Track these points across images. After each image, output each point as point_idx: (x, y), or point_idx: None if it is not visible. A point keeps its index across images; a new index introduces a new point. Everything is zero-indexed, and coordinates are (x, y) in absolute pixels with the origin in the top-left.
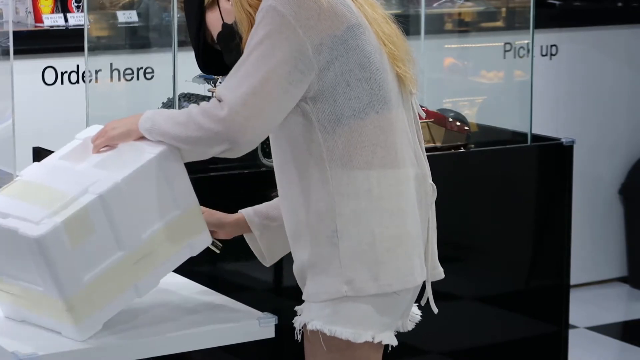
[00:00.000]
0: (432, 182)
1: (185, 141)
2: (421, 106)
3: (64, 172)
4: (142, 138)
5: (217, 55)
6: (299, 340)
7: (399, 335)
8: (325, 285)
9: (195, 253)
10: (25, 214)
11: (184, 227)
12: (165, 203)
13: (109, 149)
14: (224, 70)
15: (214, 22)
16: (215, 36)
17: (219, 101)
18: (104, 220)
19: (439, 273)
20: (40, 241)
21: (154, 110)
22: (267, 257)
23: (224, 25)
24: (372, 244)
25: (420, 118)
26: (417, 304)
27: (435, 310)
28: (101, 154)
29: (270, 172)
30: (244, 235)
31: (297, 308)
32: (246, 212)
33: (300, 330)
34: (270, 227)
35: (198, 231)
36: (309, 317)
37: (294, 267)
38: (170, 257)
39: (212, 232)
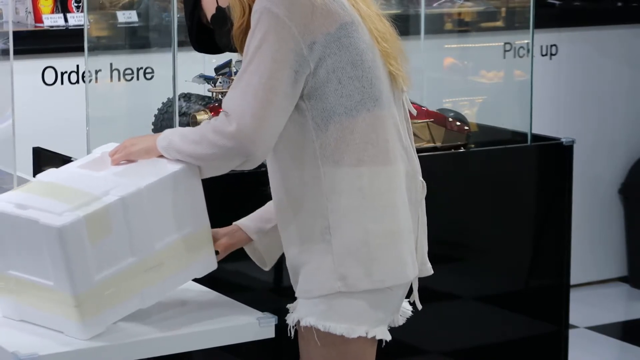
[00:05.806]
0: (422, 179)
1: (201, 158)
2: (421, 106)
3: (83, 177)
4: (160, 156)
5: (210, 34)
6: (292, 338)
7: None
8: (319, 282)
9: (200, 275)
10: (46, 207)
11: (194, 245)
12: (181, 218)
13: (127, 163)
14: (215, 50)
15: (208, 4)
16: (209, 18)
17: (227, 114)
18: (122, 223)
19: (428, 269)
20: (62, 231)
21: (171, 129)
22: (267, 259)
23: (218, 8)
24: (365, 240)
25: (412, 116)
26: (407, 300)
27: (420, 306)
28: (120, 166)
29: None
30: (244, 247)
31: (289, 306)
32: (240, 222)
33: (293, 327)
34: (265, 230)
35: (206, 252)
36: (303, 313)
37: (287, 262)
38: (178, 272)
39: None
